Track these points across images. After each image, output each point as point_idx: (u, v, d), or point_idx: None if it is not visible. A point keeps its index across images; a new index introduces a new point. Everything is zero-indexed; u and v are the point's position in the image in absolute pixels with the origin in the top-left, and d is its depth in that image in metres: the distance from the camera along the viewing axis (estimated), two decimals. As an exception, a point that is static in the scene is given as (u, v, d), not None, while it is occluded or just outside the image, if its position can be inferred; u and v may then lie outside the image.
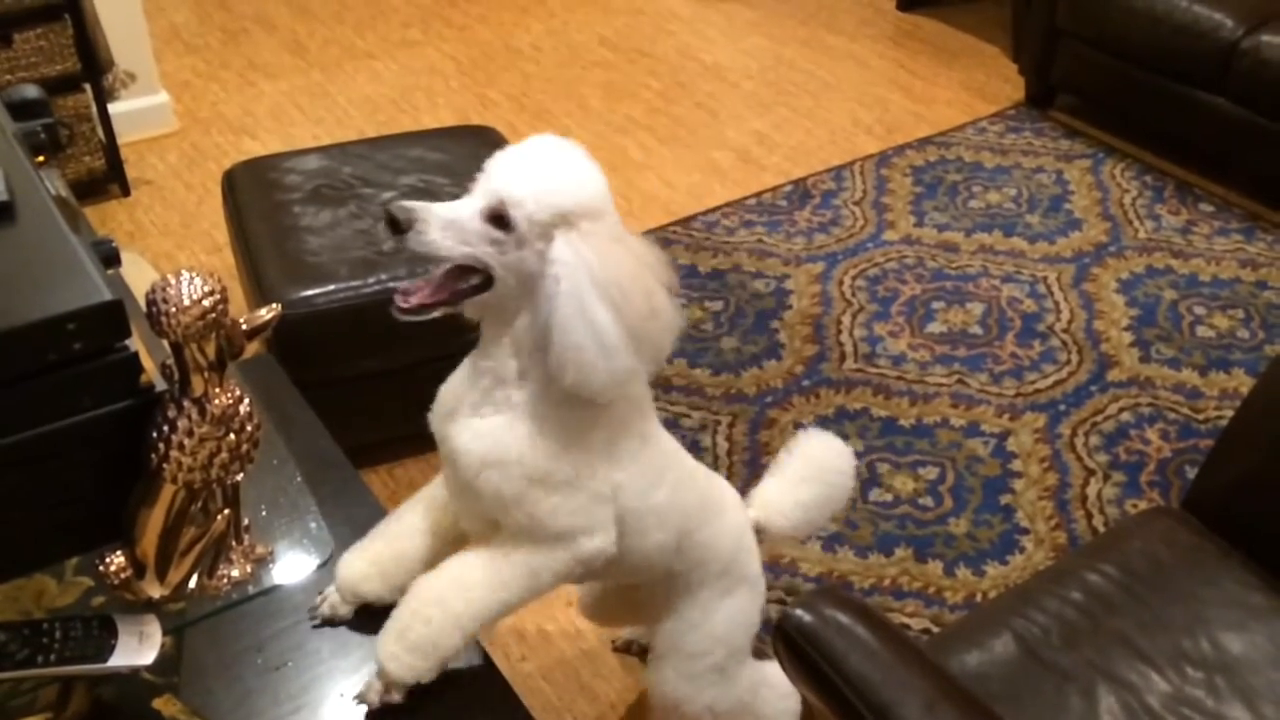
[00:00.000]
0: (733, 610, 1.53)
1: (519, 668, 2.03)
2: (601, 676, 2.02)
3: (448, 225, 1.15)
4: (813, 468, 1.63)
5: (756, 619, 1.58)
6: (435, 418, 1.30)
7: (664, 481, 1.36)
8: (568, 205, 1.17)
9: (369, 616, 1.23)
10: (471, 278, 1.18)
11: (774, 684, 1.65)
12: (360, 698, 1.16)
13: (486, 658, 1.26)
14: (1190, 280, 2.99)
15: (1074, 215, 3.25)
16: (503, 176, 1.18)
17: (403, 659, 1.16)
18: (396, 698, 1.16)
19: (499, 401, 1.23)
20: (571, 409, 1.23)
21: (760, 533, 1.58)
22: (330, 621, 1.22)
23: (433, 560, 1.29)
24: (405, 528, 1.32)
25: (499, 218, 1.16)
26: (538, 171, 1.19)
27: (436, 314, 1.21)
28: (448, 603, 1.21)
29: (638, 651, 2.02)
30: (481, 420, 1.23)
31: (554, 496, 1.24)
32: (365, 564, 1.25)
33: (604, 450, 1.28)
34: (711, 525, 1.48)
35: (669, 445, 1.40)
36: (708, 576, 1.50)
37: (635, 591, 1.61)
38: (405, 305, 1.18)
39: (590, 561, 1.29)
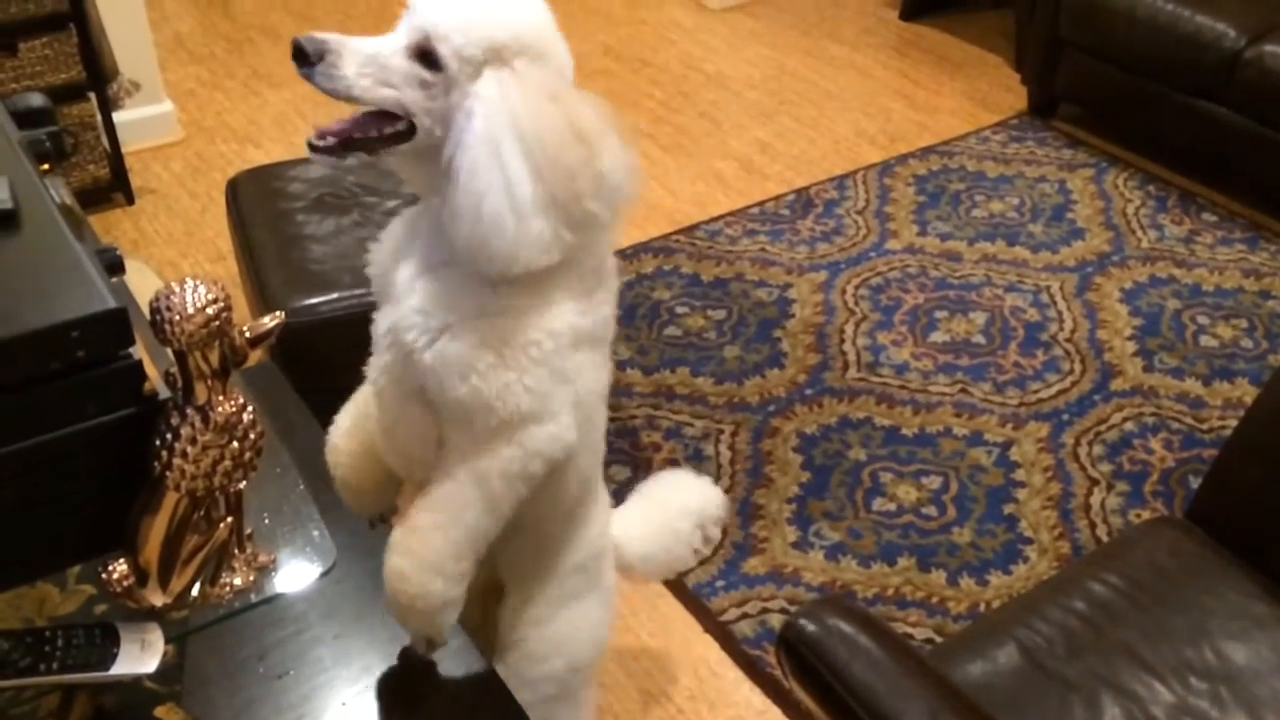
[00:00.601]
0: (578, 616, 1.39)
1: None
2: (604, 686, 2.01)
3: (367, 61, 1.02)
4: (676, 506, 1.56)
5: (603, 641, 1.45)
6: (376, 279, 1.18)
7: (598, 422, 1.25)
8: (502, 37, 1.02)
9: (369, 627, 1.23)
10: (395, 123, 1.05)
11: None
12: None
13: (487, 662, 1.25)
14: (1193, 290, 2.99)
15: (1077, 225, 3.25)
16: (430, 7, 1.03)
17: (409, 621, 1.16)
18: (440, 640, 1.17)
19: (443, 264, 1.10)
20: (526, 286, 1.10)
21: (615, 551, 1.50)
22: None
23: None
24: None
25: (426, 54, 1.02)
26: (474, 4, 1.03)
27: (349, 158, 1.08)
28: (414, 553, 1.14)
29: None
30: (432, 281, 1.10)
31: (507, 373, 1.09)
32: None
33: (570, 305, 1.12)
34: (587, 510, 1.36)
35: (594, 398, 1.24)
36: (562, 573, 1.36)
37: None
38: (318, 144, 1.06)
39: (548, 456, 1.15)
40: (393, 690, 1.18)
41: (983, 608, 2.15)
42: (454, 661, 1.21)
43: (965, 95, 3.92)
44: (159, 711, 1.06)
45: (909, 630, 2.11)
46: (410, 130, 1.05)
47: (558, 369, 1.13)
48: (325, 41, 1.00)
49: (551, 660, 1.38)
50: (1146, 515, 2.34)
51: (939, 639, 2.08)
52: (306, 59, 1.01)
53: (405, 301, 1.12)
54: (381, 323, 1.18)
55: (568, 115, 1.06)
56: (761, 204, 3.32)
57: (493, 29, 1.02)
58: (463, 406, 1.11)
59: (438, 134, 1.04)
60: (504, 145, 1.01)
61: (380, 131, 1.05)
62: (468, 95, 1.02)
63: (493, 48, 1.02)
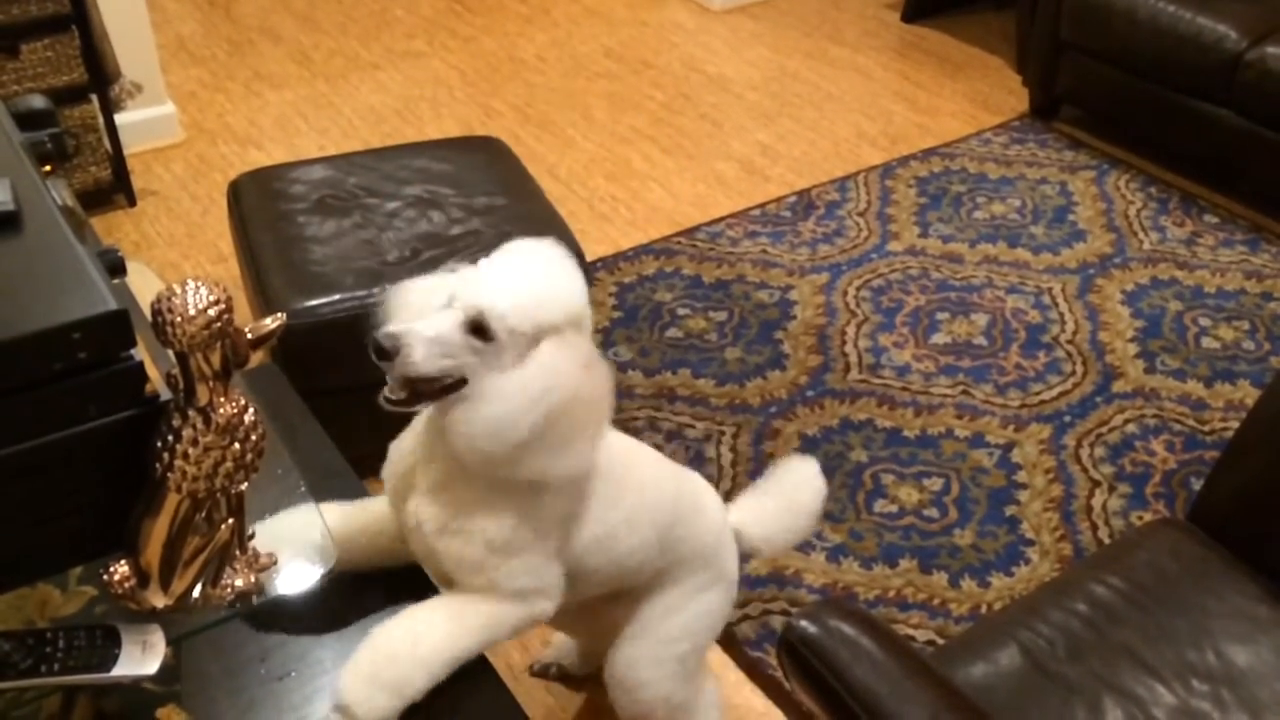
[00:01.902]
0: (707, 605, 1.58)
1: (522, 679, 2.02)
2: (604, 687, 2.01)
3: (431, 344, 1.18)
4: (788, 493, 1.69)
5: (722, 622, 1.64)
6: (390, 480, 1.35)
7: (624, 495, 1.42)
8: (552, 318, 1.22)
9: (370, 629, 1.23)
10: (447, 379, 1.22)
11: (710, 698, 1.72)
12: None
13: (489, 666, 1.25)
14: (1195, 292, 2.99)
15: (1078, 226, 3.25)
16: (483, 289, 1.21)
17: (376, 699, 1.18)
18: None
19: (455, 478, 1.27)
20: (529, 485, 1.28)
21: (738, 536, 1.63)
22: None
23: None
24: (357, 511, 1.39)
25: (479, 328, 1.19)
26: (519, 283, 1.22)
27: (421, 408, 1.27)
28: (414, 644, 1.23)
29: (556, 675, 2.02)
30: (441, 493, 1.28)
31: (512, 560, 1.29)
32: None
33: (558, 513, 1.33)
34: (691, 521, 1.54)
35: (625, 456, 1.44)
36: (691, 568, 1.55)
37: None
38: (391, 398, 1.23)
39: (542, 619, 1.36)
40: None
41: (984, 609, 2.15)
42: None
43: (967, 97, 3.92)
44: (160, 713, 1.06)
45: (910, 632, 2.11)
46: (463, 381, 1.22)
47: (547, 553, 1.33)
48: (398, 336, 1.17)
49: (680, 643, 1.56)
50: (1148, 517, 2.33)
51: (940, 641, 2.08)
52: (386, 354, 1.17)
53: (421, 512, 1.30)
54: (399, 514, 1.35)
55: (593, 379, 1.26)
56: (763, 206, 3.32)
57: (543, 312, 1.21)
58: (478, 587, 1.30)
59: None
60: (532, 396, 1.20)
61: (441, 383, 1.22)
62: (521, 359, 1.21)
63: (544, 325, 1.21)
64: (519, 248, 1.28)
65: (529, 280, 1.23)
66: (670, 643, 1.56)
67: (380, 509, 1.38)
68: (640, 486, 1.44)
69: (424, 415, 1.34)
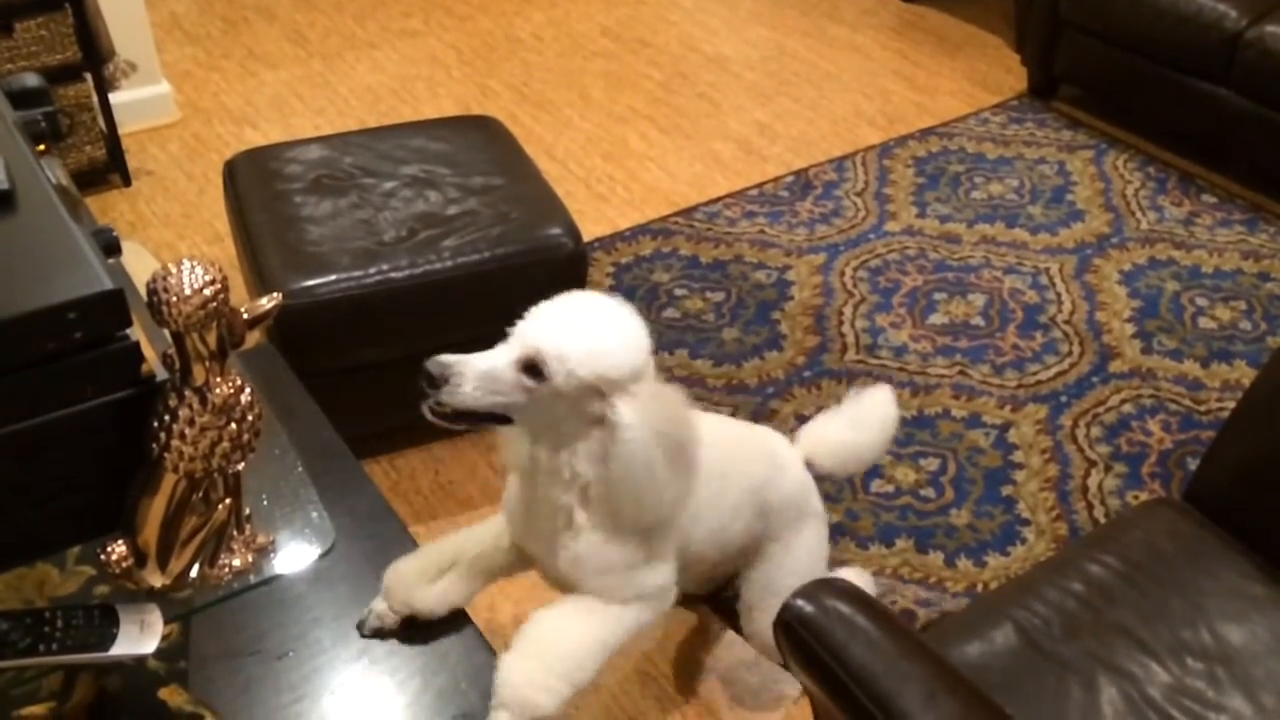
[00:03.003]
0: (809, 544, 1.73)
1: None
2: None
3: (482, 377, 1.20)
4: (861, 415, 1.80)
5: (826, 545, 1.80)
6: (515, 535, 1.43)
7: (728, 491, 1.53)
8: (615, 371, 1.24)
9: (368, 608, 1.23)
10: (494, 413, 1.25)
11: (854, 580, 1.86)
12: None
13: (485, 643, 1.26)
14: (1192, 272, 2.99)
15: (1076, 206, 3.24)
16: (545, 332, 1.23)
17: (554, 688, 1.23)
18: None
19: (578, 523, 1.33)
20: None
21: (809, 464, 1.76)
22: (379, 634, 1.22)
23: (482, 583, 1.39)
24: (455, 549, 1.39)
25: (533, 368, 1.21)
26: (586, 331, 1.25)
27: (461, 428, 1.30)
28: (577, 639, 1.29)
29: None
30: (575, 543, 1.34)
31: (643, 570, 1.39)
32: (416, 573, 1.27)
33: (678, 525, 1.43)
34: (778, 482, 1.66)
35: (720, 448, 1.52)
36: (784, 520, 1.69)
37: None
38: (436, 410, 1.24)
39: (667, 609, 1.46)
40: (391, 670, 1.18)
41: (980, 589, 2.15)
42: (452, 642, 1.22)
43: (965, 76, 3.91)
44: (163, 693, 1.06)
45: (908, 609, 2.12)
46: (506, 419, 1.26)
47: (667, 554, 1.44)
48: (449, 366, 1.19)
49: (791, 579, 1.63)
50: (1144, 497, 2.34)
51: (937, 619, 2.09)
52: (434, 382, 1.19)
53: (562, 562, 1.37)
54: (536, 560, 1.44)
55: (672, 403, 1.32)
56: (760, 186, 3.31)
57: (604, 362, 1.23)
58: (623, 599, 1.40)
59: (537, 423, 1.27)
60: (651, 456, 1.26)
61: (479, 416, 1.26)
62: (574, 408, 1.24)
63: (604, 377, 1.23)
64: (583, 298, 1.31)
65: (592, 327, 1.26)
66: (784, 591, 1.64)
67: (450, 549, 1.40)
68: (741, 475, 1.56)
69: (521, 484, 1.40)
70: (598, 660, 1.31)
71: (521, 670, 1.20)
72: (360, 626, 1.21)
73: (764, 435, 1.76)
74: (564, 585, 1.40)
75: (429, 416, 1.24)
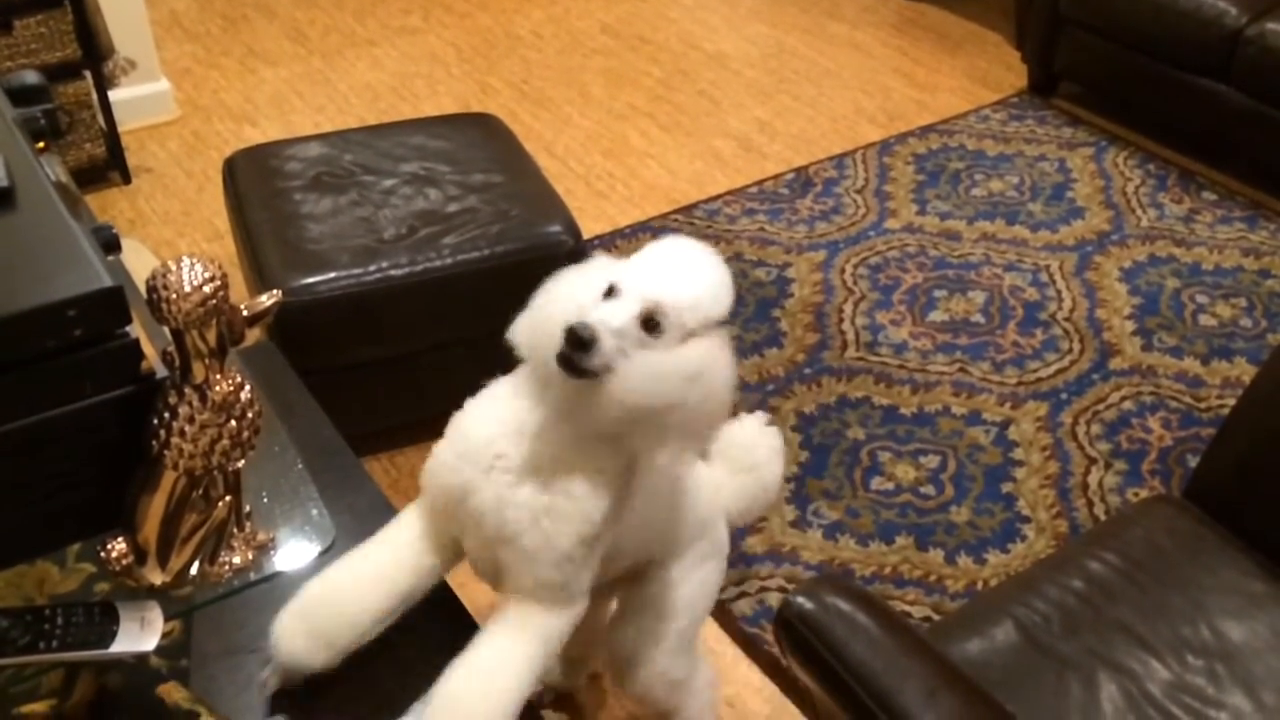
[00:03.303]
0: (704, 577, 1.58)
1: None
2: (600, 663, 2.02)
3: (616, 335, 1.15)
4: (748, 452, 1.66)
5: (715, 595, 1.62)
6: (450, 459, 1.25)
7: (659, 483, 1.40)
8: (716, 314, 1.22)
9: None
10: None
11: (705, 674, 1.70)
12: None
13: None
14: (1193, 269, 2.99)
15: (1076, 203, 3.24)
16: (658, 282, 1.19)
17: None
18: None
19: (566, 461, 1.21)
20: (627, 475, 1.24)
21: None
22: (284, 690, 1.11)
23: (382, 617, 1.19)
24: (348, 581, 1.20)
25: (652, 322, 1.17)
26: (690, 278, 1.22)
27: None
28: (486, 696, 1.14)
29: (551, 700, 1.97)
30: (543, 473, 1.21)
31: (589, 560, 1.24)
32: (306, 636, 1.13)
33: (627, 504, 1.29)
34: (692, 494, 1.52)
35: None
36: (691, 542, 1.55)
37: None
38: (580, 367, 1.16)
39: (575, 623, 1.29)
40: (390, 666, 1.18)
41: (980, 586, 2.15)
42: (453, 640, 1.22)
43: (965, 73, 3.90)
44: (162, 690, 1.06)
45: (907, 608, 2.12)
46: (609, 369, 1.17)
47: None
48: (592, 328, 1.13)
49: (680, 618, 1.55)
50: (1144, 494, 2.34)
51: (936, 617, 2.09)
52: (583, 345, 1.12)
53: (516, 494, 1.21)
54: (471, 498, 1.23)
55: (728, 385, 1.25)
56: (760, 183, 3.31)
57: (712, 306, 1.21)
58: (546, 582, 1.23)
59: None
60: (698, 376, 1.19)
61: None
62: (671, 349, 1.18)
63: (710, 321, 1.21)
64: (677, 243, 1.26)
65: (697, 275, 1.22)
66: (670, 618, 1.55)
67: (388, 550, 1.24)
68: (662, 470, 1.42)
69: (520, 394, 1.26)
70: (515, 709, 1.16)
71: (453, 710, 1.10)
72: (262, 687, 1.11)
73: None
74: (497, 563, 1.24)
75: (566, 373, 1.15)
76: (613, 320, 1.14)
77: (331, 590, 1.16)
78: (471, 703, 1.13)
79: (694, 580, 1.56)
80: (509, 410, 1.26)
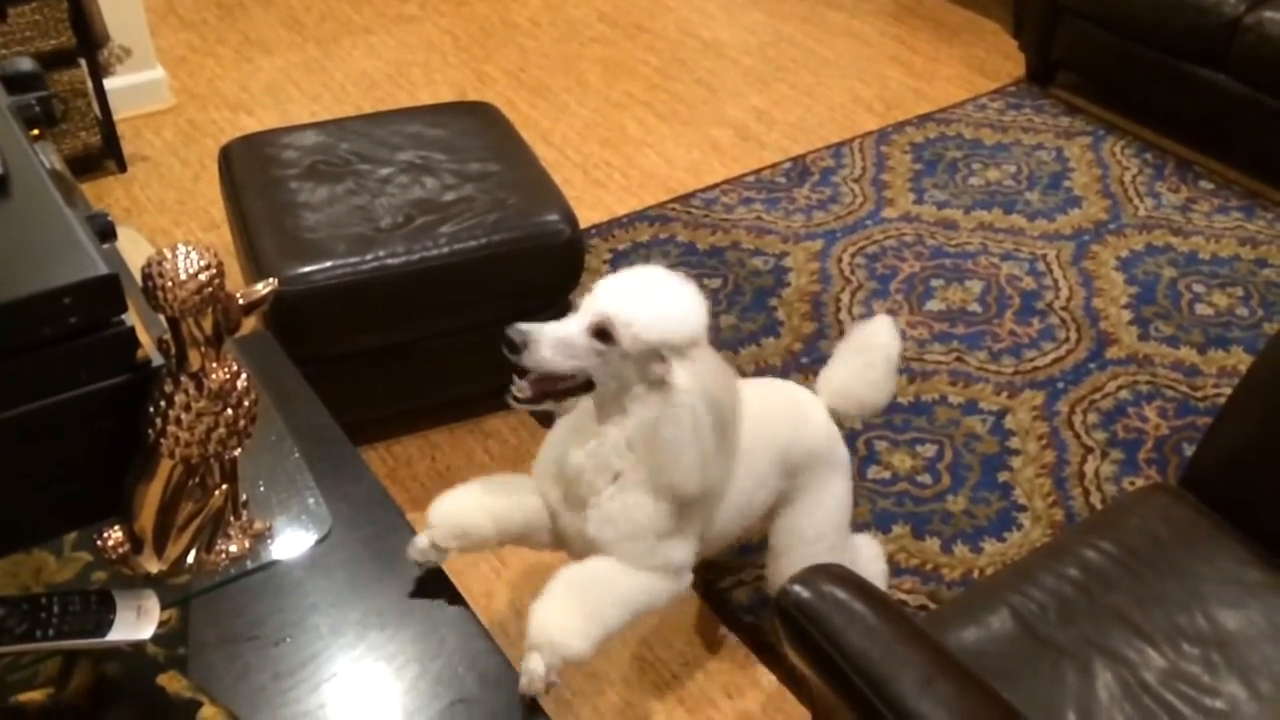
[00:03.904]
0: (836, 494, 1.77)
1: (518, 644, 2.03)
2: (600, 653, 2.02)
3: (557, 343, 1.33)
4: (865, 353, 1.83)
5: (850, 500, 1.83)
6: (544, 481, 1.50)
7: (756, 466, 1.59)
8: (672, 327, 1.35)
9: (365, 594, 1.23)
10: (571, 380, 1.38)
11: (864, 549, 1.95)
12: (525, 687, 1.18)
13: (482, 628, 1.26)
14: (1190, 258, 2.99)
15: (1074, 193, 3.24)
16: (613, 299, 1.36)
17: (585, 630, 1.30)
18: (555, 678, 1.24)
19: (616, 483, 1.42)
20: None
21: (833, 414, 1.79)
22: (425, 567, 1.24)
23: (530, 522, 1.47)
24: (503, 487, 1.47)
25: (603, 333, 1.33)
26: (650, 299, 1.36)
27: (546, 406, 1.42)
28: (607, 587, 1.38)
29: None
30: (608, 502, 1.43)
31: (672, 542, 1.46)
32: (471, 502, 1.38)
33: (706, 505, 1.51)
34: (802, 434, 1.71)
35: (745, 407, 1.54)
36: (812, 473, 1.73)
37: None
38: (519, 396, 1.38)
39: (683, 591, 1.51)
40: (389, 656, 1.18)
41: (976, 575, 2.16)
42: (449, 628, 1.22)
43: (963, 62, 3.90)
44: (161, 679, 1.06)
45: (903, 597, 2.12)
46: (588, 385, 1.39)
47: (693, 530, 1.51)
48: (527, 333, 1.33)
49: (823, 539, 1.77)
50: (1140, 483, 2.35)
51: (933, 606, 2.09)
52: (515, 348, 1.33)
53: (590, 524, 1.46)
54: (557, 521, 1.51)
55: (731, 387, 1.44)
56: (758, 172, 3.30)
57: (666, 326, 1.35)
58: (648, 568, 1.47)
59: (612, 387, 1.38)
60: (701, 421, 1.37)
61: (558, 388, 1.39)
62: (640, 369, 1.36)
63: (672, 345, 1.36)
64: (647, 270, 1.41)
65: (655, 296, 1.37)
66: (817, 540, 1.75)
67: (524, 491, 1.49)
68: (767, 443, 1.61)
69: (569, 436, 1.48)
70: (625, 610, 1.39)
71: (552, 613, 1.29)
72: (415, 558, 1.24)
73: (787, 391, 1.80)
74: (586, 553, 1.46)
75: (513, 404, 1.37)
76: (555, 330, 1.33)
77: (469, 494, 1.42)
78: (595, 586, 1.36)
79: (824, 503, 1.76)
80: (594, 452, 1.44)
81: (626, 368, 1.36)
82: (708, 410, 1.37)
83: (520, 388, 1.38)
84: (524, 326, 1.32)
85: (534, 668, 1.21)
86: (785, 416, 1.71)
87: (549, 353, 1.33)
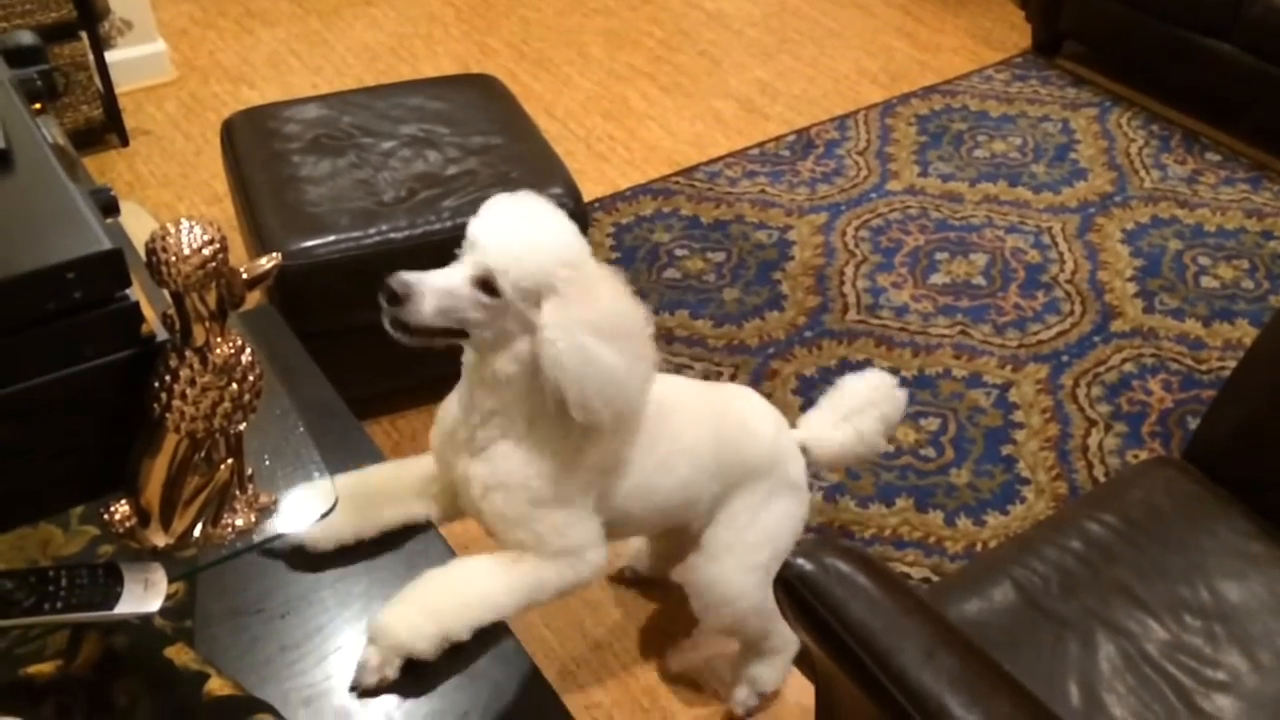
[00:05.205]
0: (779, 511, 1.67)
1: (522, 615, 2.04)
2: (603, 625, 2.04)
3: (442, 296, 1.24)
4: (857, 404, 1.74)
5: (800, 525, 1.72)
6: (436, 440, 1.40)
7: (658, 443, 1.47)
8: (550, 268, 1.25)
9: (370, 568, 1.24)
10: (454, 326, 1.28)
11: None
12: (357, 679, 1.13)
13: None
14: (1195, 230, 2.98)
15: (1079, 165, 3.22)
16: (488, 246, 1.26)
17: (412, 619, 1.16)
18: (391, 674, 1.14)
19: (494, 432, 1.33)
20: (567, 435, 1.33)
21: (805, 452, 1.70)
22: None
23: (399, 509, 1.33)
24: (381, 471, 1.36)
25: (487, 284, 1.24)
26: (518, 239, 1.26)
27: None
28: (463, 587, 1.24)
29: (631, 577, 2.11)
30: (481, 449, 1.33)
31: (556, 514, 1.35)
32: (342, 509, 1.24)
33: (600, 466, 1.39)
34: (739, 443, 1.61)
35: (660, 403, 1.47)
36: (752, 483, 1.63)
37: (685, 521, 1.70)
38: (397, 335, 1.27)
39: (590, 577, 1.40)
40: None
41: (979, 548, 2.17)
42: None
43: (968, 33, 3.87)
44: (169, 651, 1.06)
45: (906, 570, 2.13)
46: (462, 333, 1.29)
47: (589, 510, 1.40)
48: (410, 284, 1.23)
49: (761, 550, 1.66)
50: (1144, 456, 2.35)
51: (936, 578, 2.10)
52: (396, 299, 1.23)
53: (463, 466, 1.36)
54: (447, 472, 1.39)
55: (613, 285, 1.32)
56: (761, 145, 3.29)
57: (541, 263, 1.25)
58: (523, 543, 1.37)
59: (488, 336, 1.28)
60: (589, 348, 1.26)
61: (437, 334, 1.29)
62: (522, 316, 1.26)
63: (543, 278, 1.25)
64: (511, 204, 1.31)
65: (531, 237, 1.27)
66: (752, 551, 1.65)
67: (425, 467, 1.40)
68: (675, 433, 1.50)
69: (457, 391, 1.39)
70: (479, 613, 1.23)
71: (393, 609, 1.18)
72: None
73: (730, 398, 1.69)
74: (474, 513, 1.38)
75: (390, 332, 1.26)
76: (439, 281, 1.24)
77: (365, 476, 1.33)
78: (446, 587, 1.22)
79: (767, 515, 1.65)
80: (465, 392, 1.36)
81: (508, 317, 1.26)
82: (591, 332, 1.26)
83: (397, 327, 1.27)
84: (407, 276, 1.23)
85: (367, 659, 1.14)
86: (715, 430, 1.58)
87: (430, 308, 1.23)
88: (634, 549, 2.08)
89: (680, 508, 1.59)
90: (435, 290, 1.24)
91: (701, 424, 1.56)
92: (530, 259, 1.25)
